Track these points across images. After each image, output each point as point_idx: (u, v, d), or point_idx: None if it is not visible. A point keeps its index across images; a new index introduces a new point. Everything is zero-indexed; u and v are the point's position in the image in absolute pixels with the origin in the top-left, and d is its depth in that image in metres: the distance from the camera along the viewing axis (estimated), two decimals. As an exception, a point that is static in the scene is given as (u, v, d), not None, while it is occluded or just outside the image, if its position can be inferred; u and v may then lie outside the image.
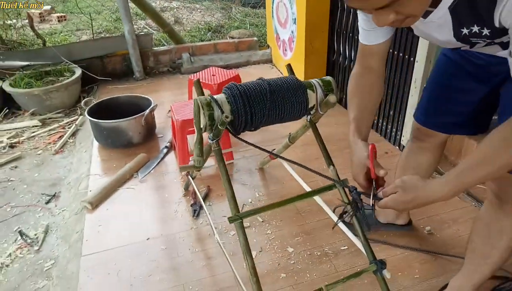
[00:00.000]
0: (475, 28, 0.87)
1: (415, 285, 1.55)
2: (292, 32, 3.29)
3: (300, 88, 1.37)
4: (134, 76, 3.77)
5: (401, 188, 0.99)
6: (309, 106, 1.43)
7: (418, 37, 2.16)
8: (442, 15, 0.88)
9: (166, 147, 2.53)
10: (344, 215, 1.86)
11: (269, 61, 4.06)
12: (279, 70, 3.83)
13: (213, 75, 2.82)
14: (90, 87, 3.65)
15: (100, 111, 2.59)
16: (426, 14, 0.90)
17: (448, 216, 1.90)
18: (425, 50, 2.12)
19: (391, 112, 2.51)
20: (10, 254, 1.82)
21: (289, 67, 1.57)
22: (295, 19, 3.16)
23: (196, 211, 1.96)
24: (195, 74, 2.88)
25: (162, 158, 2.44)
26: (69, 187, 2.30)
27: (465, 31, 0.90)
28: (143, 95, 2.75)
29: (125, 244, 1.78)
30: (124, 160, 2.42)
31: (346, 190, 1.33)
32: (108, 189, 2.13)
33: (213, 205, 2.02)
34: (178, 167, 1.82)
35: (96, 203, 2.04)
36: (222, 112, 1.27)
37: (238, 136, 1.37)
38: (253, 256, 1.69)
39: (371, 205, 1.09)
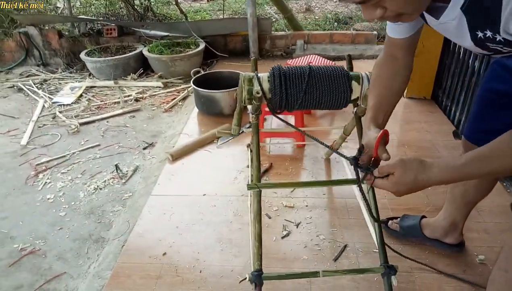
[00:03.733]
0: (489, 33, 0.79)
1: (436, 307, 1.43)
2: (407, 28, 3.10)
3: (342, 77, 1.39)
4: (249, 56, 4.07)
5: (400, 168, 0.92)
6: (353, 98, 1.43)
7: None
8: (455, 16, 0.81)
9: (249, 122, 2.73)
10: (389, 221, 1.80)
11: (384, 57, 3.89)
12: (391, 68, 3.65)
13: (309, 62, 2.89)
14: (211, 61, 4.09)
15: (205, 81, 2.93)
16: (438, 14, 0.85)
17: None
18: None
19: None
20: (105, 180, 2.28)
21: (348, 57, 1.57)
22: (412, 15, 2.97)
23: (248, 182, 2.12)
24: (292, 60, 2.99)
25: (243, 131, 2.66)
26: (164, 140, 2.71)
27: (480, 34, 0.81)
28: (238, 72, 2.99)
29: (185, 194, 2.06)
30: (212, 126, 2.71)
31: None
32: (189, 147, 2.45)
33: (269, 180, 2.15)
34: (217, 131, 2.03)
35: (176, 156, 2.38)
36: (261, 88, 1.38)
37: (276, 114, 1.47)
38: (285, 233, 1.78)
39: (360, 178, 1.05)
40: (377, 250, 1.68)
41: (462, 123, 2.61)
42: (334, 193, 2.03)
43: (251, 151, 2.07)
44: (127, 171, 2.36)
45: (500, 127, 1.22)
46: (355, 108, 1.51)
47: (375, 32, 4.03)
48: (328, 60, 2.94)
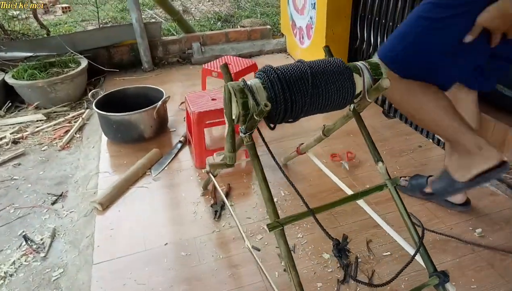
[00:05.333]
0: None
1: (473, 297, 1.36)
2: (310, 18, 3.08)
3: (345, 71, 1.18)
4: (142, 67, 3.58)
5: None
6: (357, 93, 1.23)
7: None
8: None
9: (180, 141, 2.34)
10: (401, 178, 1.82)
11: (283, 50, 3.85)
12: (294, 60, 3.62)
13: (228, 64, 2.62)
14: (97, 79, 3.46)
15: (108, 103, 2.41)
16: None
17: (498, 216, 1.71)
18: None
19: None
20: (14, 261, 1.64)
21: (327, 49, 1.37)
22: (314, 4, 2.95)
23: (218, 212, 1.78)
24: (208, 63, 2.68)
25: (176, 154, 2.26)
26: (76, 185, 2.12)
27: None
28: (153, 86, 2.56)
29: (141, 250, 1.60)
30: (135, 155, 2.23)
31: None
32: (119, 188, 1.95)
33: (235, 205, 1.84)
34: (207, 164, 1.60)
35: (106, 203, 1.86)
36: (256, 100, 1.07)
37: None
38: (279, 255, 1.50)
39: None
40: (387, 254, 1.55)
41: (387, 102, 2.68)
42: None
43: (214, 176, 1.73)
44: (42, 240, 1.75)
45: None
46: (352, 105, 1.32)
47: (269, 27, 3.95)
48: (246, 59, 2.72)
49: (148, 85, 2.59)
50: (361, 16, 2.77)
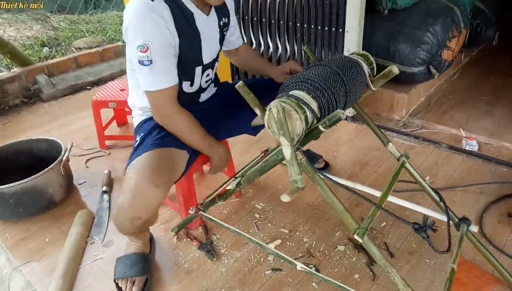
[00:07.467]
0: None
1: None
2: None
3: (357, 64, 1.21)
4: (-26, 121, 2.74)
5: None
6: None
7: (344, 9, 2.22)
8: None
9: (104, 191, 1.94)
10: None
11: (145, 66, 3.56)
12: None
13: (121, 90, 2.29)
14: None
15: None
16: None
17: (428, 162, 2.07)
18: (355, 19, 2.19)
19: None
20: None
21: (308, 49, 1.37)
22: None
23: (211, 251, 1.57)
24: (97, 94, 2.27)
25: (109, 207, 1.86)
26: (-10, 296, 1.52)
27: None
28: (38, 137, 2.02)
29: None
30: (55, 227, 1.75)
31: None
32: (68, 275, 1.49)
33: (222, 236, 1.67)
34: (285, 196, 1.07)
35: (65, 300, 1.40)
36: (313, 112, 1.00)
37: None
38: (307, 266, 1.47)
39: None
40: (384, 224, 1.69)
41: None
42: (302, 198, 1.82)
43: (201, 210, 1.53)
44: None
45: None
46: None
47: (121, 43, 3.58)
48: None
49: (30, 138, 2.02)
50: (244, 19, 2.76)
